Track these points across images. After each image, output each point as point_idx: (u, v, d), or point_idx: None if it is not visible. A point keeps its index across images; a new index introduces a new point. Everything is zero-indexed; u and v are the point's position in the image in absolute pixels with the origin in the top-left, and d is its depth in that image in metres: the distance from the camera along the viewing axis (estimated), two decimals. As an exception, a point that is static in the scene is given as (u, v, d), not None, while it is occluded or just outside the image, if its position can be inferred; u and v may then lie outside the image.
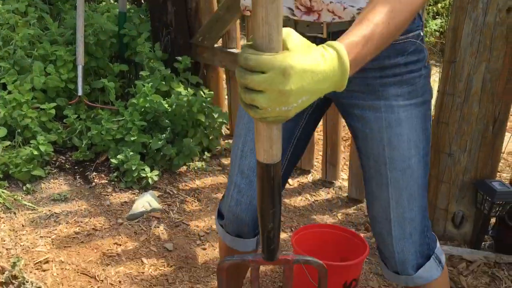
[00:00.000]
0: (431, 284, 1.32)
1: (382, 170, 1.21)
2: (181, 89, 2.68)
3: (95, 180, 2.53)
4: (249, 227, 1.34)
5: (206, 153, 2.82)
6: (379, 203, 1.25)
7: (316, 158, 2.85)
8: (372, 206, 1.28)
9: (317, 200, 2.56)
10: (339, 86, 0.81)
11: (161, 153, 2.58)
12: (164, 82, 2.74)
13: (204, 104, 2.70)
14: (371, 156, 1.21)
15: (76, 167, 2.62)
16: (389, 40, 0.91)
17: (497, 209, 1.94)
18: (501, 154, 2.13)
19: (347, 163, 2.81)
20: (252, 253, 1.07)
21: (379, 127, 1.17)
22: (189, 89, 2.70)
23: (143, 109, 2.61)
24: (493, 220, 2.11)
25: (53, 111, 2.65)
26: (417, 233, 1.25)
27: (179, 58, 2.82)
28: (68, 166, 2.62)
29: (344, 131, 3.20)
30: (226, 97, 3.14)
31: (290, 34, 0.75)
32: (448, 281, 1.43)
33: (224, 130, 3.14)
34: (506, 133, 2.08)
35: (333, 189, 2.66)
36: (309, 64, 0.74)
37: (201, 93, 2.74)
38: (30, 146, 2.48)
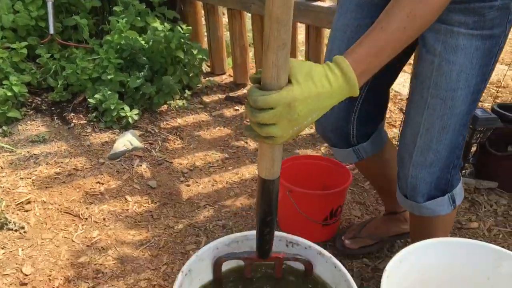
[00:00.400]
0: (437, 218, 1.32)
1: (424, 93, 1.17)
2: (157, 24, 2.58)
3: (74, 121, 2.47)
4: (336, 138, 1.43)
5: (186, 91, 2.76)
6: (411, 126, 1.23)
7: (299, 94, 2.81)
8: (405, 128, 1.26)
9: (300, 135, 2.55)
10: (352, 94, 0.87)
11: (140, 91, 2.51)
12: (139, 18, 2.64)
13: (182, 40, 2.61)
14: (419, 77, 1.18)
15: (53, 108, 2.56)
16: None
17: (478, 135, 1.95)
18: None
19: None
20: (248, 251, 1.15)
21: (435, 49, 1.12)
22: (165, 24, 2.61)
23: (118, 47, 2.52)
24: (473, 149, 2.14)
25: (25, 51, 2.54)
26: (438, 165, 1.22)
27: (154, -9, 2.70)
28: (44, 107, 2.55)
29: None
30: (205, 33, 3.05)
31: (293, 67, 0.82)
32: (452, 221, 1.43)
33: (205, 67, 3.08)
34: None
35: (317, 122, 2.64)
36: (312, 91, 0.83)
37: (179, 28, 2.65)
38: (3, 88, 2.39)
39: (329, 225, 1.76)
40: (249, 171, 2.23)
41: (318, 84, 0.83)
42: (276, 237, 1.18)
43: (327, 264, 1.13)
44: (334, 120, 1.38)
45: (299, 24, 2.50)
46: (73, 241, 1.76)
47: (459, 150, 1.24)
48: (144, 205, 1.97)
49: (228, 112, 2.71)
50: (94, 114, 2.48)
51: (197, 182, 2.14)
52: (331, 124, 1.40)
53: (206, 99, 2.81)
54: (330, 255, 1.12)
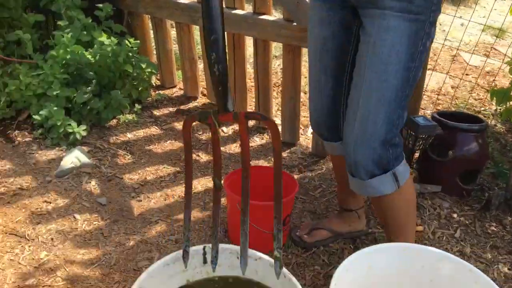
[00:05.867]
0: (385, 198, 1.42)
1: (361, 71, 1.31)
2: (103, 38, 2.55)
3: (18, 139, 2.39)
4: (326, 131, 1.62)
5: (136, 105, 2.73)
6: (352, 105, 1.35)
7: (250, 105, 2.85)
8: (347, 110, 1.39)
9: (252, 146, 2.58)
10: None
11: (88, 107, 2.47)
12: (85, 32, 2.59)
13: (130, 54, 2.59)
14: (358, 59, 1.32)
15: (-5, 126, 2.47)
16: None
17: (420, 142, 2.04)
18: (423, 91, 2.23)
19: (280, 108, 2.83)
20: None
21: (370, 31, 1.27)
22: (112, 38, 2.57)
23: (64, 62, 2.47)
24: (416, 155, 2.23)
25: (-36, 67, 2.45)
26: (377, 140, 1.33)
27: (100, 5, 2.66)
28: (-14, 126, 2.46)
29: (276, 77, 3.21)
30: (154, 46, 3.03)
31: None
32: (410, 200, 1.51)
33: (154, 81, 3.06)
34: (428, 71, 2.16)
35: (267, 134, 2.68)
36: None
37: (127, 42, 2.63)
38: None
39: (280, 234, 1.79)
40: (201, 183, 2.23)
41: None
42: (226, 250, 1.20)
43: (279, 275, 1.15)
44: (326, 117, 1.58)
45: (247, 37, 2.53)
46: (19, 263, 1.70)
47: (396, 129, 1.36)
48: (94, 222, 1.93)
49: (179, 125, 2.70)
50: (39, 131, 2.41)
51: (148, 197, 2.12)
52: (324, 120, 1.60)
53: (157, 112, 2.80)
54: (281, 265, 1.14)
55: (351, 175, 1.43)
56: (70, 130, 2.35)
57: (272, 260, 1.15)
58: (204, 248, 1.18)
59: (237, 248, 1.18)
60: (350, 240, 1.89)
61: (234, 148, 2.54)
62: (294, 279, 1.10)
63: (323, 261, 1.81)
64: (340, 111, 1.57)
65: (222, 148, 2.52)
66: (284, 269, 1.13)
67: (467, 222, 2.00)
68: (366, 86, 1.30)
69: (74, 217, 1.95)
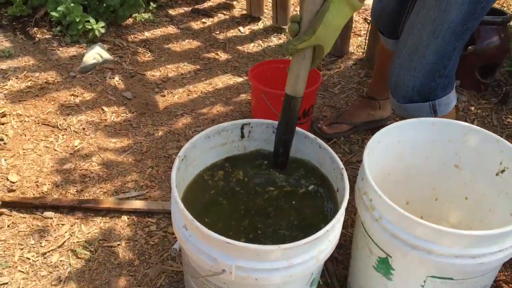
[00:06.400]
0: None
1: None
2: None
3: (38, 36, 2.39)
4: (384, 27, 1.61)
5: (151, 3, 2.70)
6: (408, 25, 1.27)
7: (266, 5, 2.80)
8: (405, 27, 1.30)
9: (269, 46, 2.57)
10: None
11: (104, 4, 2.44)
12: None
13: (144, -52, 2.51)
14: None
15: (14, 24, 2.45)
16: None
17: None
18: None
19: (297, 8, 2.79)
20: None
21: None
22: None
23: (78, -44, 2.40)
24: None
25: (-24, -38, 2.39)
26: (422, 70, 1.25)
27: None
28: (5, 22, 2.45)
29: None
30: None
31: None
32: None
33: (168, -20, 2.99)
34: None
35: (284, 34, 2.66)
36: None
37: None
38: (-43, 2, 2.27)
39: (302, 124, 1.85)
40: (222, 81, 2.26)
41: None
42: (263, 124, 1.25)
43: (312, 145, 1.21)
44: (390, 10, 1.53)
45: None
46: (55, 150, 1.78)
47: (448, 60, 1.26)
48: (122, 115, 1.99)
49: (196, 25, 2.68)
50: (58, 28, 2.40)
51: (172, 92, 2.16)
52: (385, 15, 1.56)
53: (172, 12, 2.76)
54: (314, 137, 1.20)
55: (391, 92, 1.38)
56: (89, 27, 2.34)
57: (306, 132, 1.21)
58: (242, 124, 1.24)
59: (274, 122, 1.24)
60: (370, 131, 1.95)
61: (252, 48, 2.54)
62: (328, 147, 1.16)
63: (343, 150, 1.88)
64: (403, 14, 1.50)
65: (240, 48, 2.53)
66: (319, 140, 1.19)
67: (484, 114, 2.05)
68: (423, 13, 1.19)
69: (102, 109, 2.00)
